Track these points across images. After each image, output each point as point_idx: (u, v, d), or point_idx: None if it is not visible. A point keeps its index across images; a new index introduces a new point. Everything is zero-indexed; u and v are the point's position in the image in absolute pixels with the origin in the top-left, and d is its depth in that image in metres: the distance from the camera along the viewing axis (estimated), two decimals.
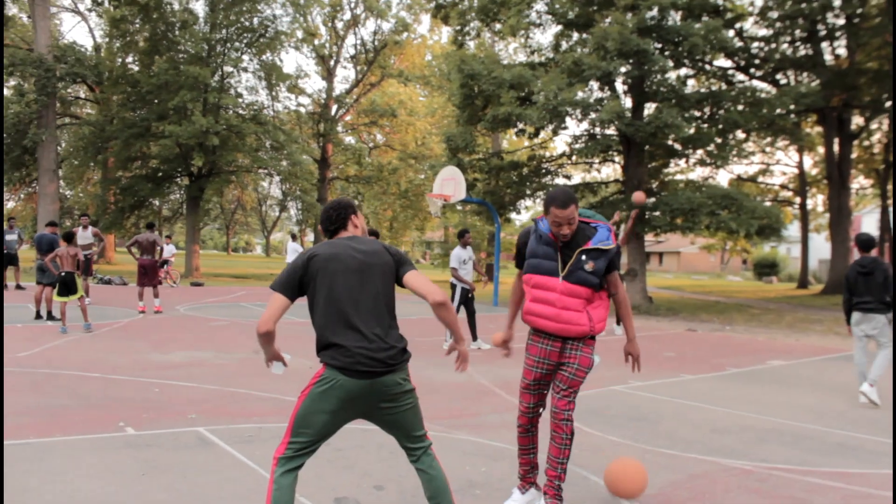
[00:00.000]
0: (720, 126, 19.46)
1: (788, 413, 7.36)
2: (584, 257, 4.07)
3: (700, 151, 21.04)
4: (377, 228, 45.84)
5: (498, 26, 22.11)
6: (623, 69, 17.85)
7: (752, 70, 25.41)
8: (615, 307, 4.43)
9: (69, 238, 12.11)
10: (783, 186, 38.80)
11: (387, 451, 5.45)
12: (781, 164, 39.43)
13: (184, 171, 32.80)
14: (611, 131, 19.74)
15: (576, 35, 20.97)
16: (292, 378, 8.26)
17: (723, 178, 76.07)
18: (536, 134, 20.63)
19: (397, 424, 3.47)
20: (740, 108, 19.70)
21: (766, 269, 51.71)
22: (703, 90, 19.91)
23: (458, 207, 31.32)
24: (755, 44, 25.31)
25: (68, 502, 4.23)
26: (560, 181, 22.09)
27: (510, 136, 29.60)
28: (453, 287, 11.70)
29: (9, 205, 54.80)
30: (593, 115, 17.98)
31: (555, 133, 21.46)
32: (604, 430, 6.39)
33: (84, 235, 16.39)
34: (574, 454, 5.54)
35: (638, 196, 10.98)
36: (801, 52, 25.43)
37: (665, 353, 11.64)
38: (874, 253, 8.30)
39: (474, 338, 11.71)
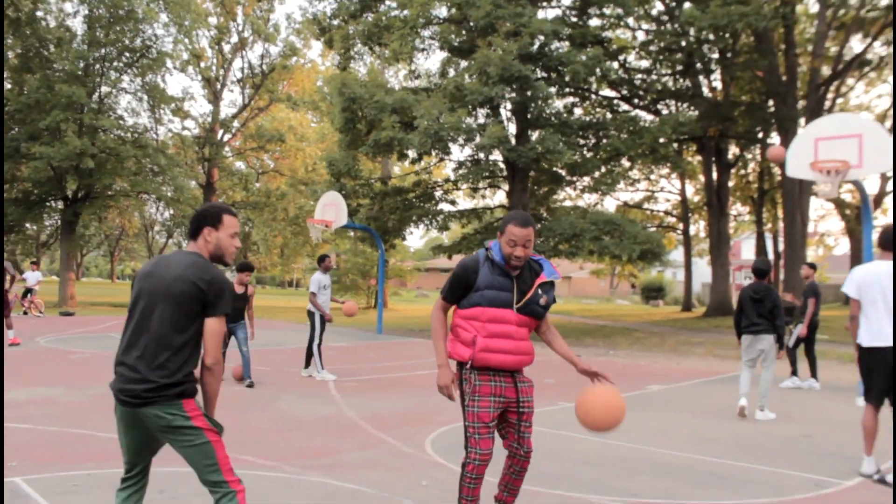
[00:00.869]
0: (603, 154, 19.76)
1: (663, 441, 7.22)
2: (539, 291, 4.01)
3: (587, 178, 21.32)
4: (260, 258, 44.85)
5: (385, 51, 21.90)
6: (506, 95, 17.85)
7: (636, 100, 26.07)
8: (546, 337, 4.26)
9: None
10: (667, 213, 39.95)
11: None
12: (665, 191, 40.61)
13: (58, 194, 31.07)
14: (496, 157, 19.75)
15: (463, 62, 20.98)
16: None
17: (610, 204, 78.23)
18: (419, 159, 20.46)
19: (188, 462, 3.20)
20: (623, 136, 20.05)
21: (653, 292, 53.11)
22: (587, 118, 20.18)
23: (351, 234, 30.86)
24: (638, 75, 26.02)
25: None
26: (446, 206, 21.96)
27: (401, 163, 29.41)
28: (311, 315, 11.25)
29: None
30: (476, 141, 17.92)
31: (440, 159, 21.37)
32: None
33: None
34: (424, 489, 5.20)
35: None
36: (681, 83, 26.31)
37: (545, 380, 11.45)
38: (767, 280, 8.68)
39: (307, 365, 11.47)
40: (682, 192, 37.93)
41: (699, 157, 32.15)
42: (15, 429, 7.04)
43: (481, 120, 19.47)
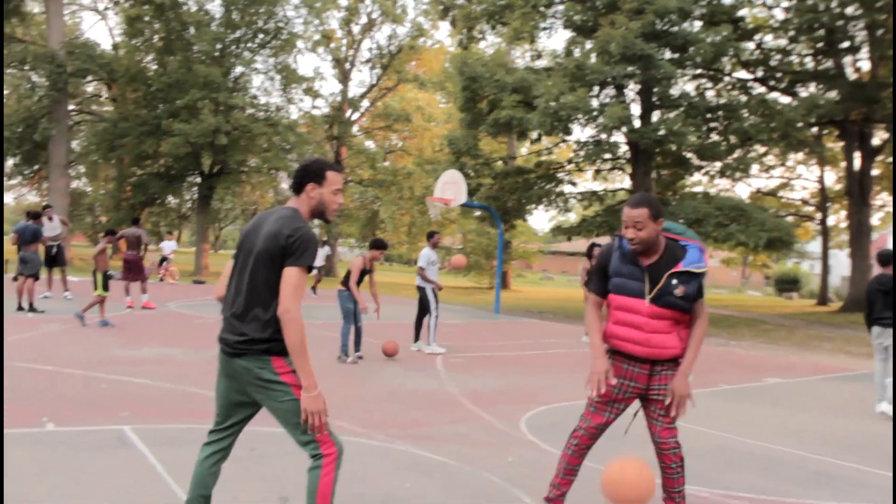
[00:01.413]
0: (731, 137, 18.89)
1: (771, 435, 6.84)
2: (674, 281, 3.71)
3: (716, 163, 20.48)
4: (387, 236, 45.60)
5: (505, 30, 21.69)
6: (628, 74, 17.30)
7: (772, 82, 24.79)
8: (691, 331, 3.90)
9: (108, 234, 12.62)
10: (804, 201, 37.95)
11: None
12: (803, 178, 38.60)
13: (195, 169, 32.70)
14: (619, 138, 19.27)
15: (588, 43, 20.52)
16: None
17: (743, 192, 75.05)
18: (539, 139, 20.19)
19: (279, 420, 3.25)
20: (755, 119, 19.10)
21: (788, 284, 50.75)
22: (716, 100, 19.29)
23: (477, 213, 30.96)
24: (775, 56, 24.70)
25: None
26: (567, 188, 21.62)
27: (526, 143, 29.08)
28: (422, 290, 11.40)
29: (25, 199, 55.23)
30: (597, 121, 17.51)
31: (562, 139, 21.00)
32: (559, 447, 5.90)
33: (51, 226, 16.09)
34: (523, 472, 5.11)
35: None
36: (822, 63, 24.80)
37: None
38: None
39: (417, 338, 11.61)
40: (821, 180, 35.93)
41: (841, 143, 30.27)
42: (131, 382, 7.45)
43: (604, 100, 19.00)
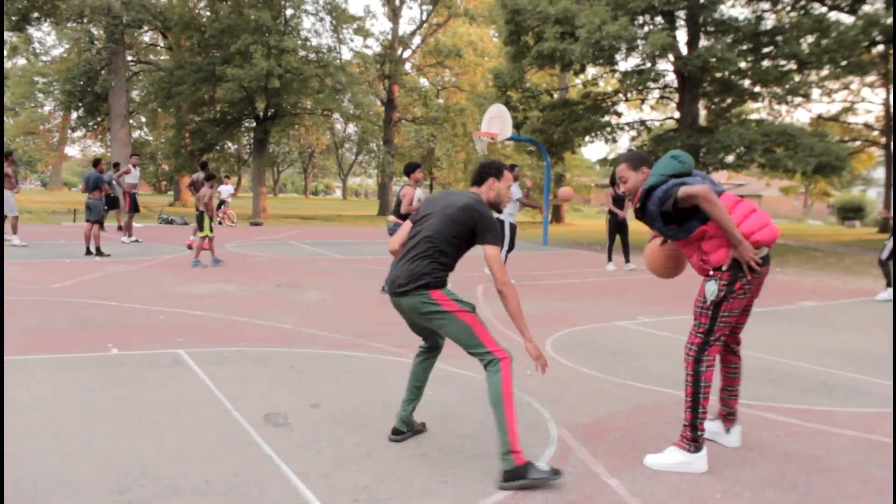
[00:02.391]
0: (782, 61, 18.53)
1: (789, 352, 7.10)
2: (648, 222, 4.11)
3: (765, 89, 20.09)
4: (444, 174, 45.77)
5: None
6: (670, 0, 17.03)
7: (833, 1, 23.98)
8: None
9: (209, 179, 13.33)
10: (867, 125, 36.81)
11: (350, 376, 5.53)
12: (867, 101, 37.35)
13: (250, 114, 33.31)
14: (665, 66, 19.11)
15: None
16: (295, 308, 8.46)
17: (805, 117, 72.74)
18: (583, 69, 20.09)
19: (454, 340, 3.83)
20: (807, 41, 18.64)
21: (851, 213, 49.50)
22: (765, 25, 18.80)
23: (531, 149, 31.02)
24: None
25: (17, 404, 4.42)
26: (613, 119, 21.49)
27: (580, 75, 28.57)
28: (501, 223, 11.46)
29: (90, 150, 56.97)
30: (640, 49, 17.37)
31: (612, 70, 20.82)
32: (577, 363, 6.31)
33: (134, 174, 16.90)
34: (536, 382, 5.51)
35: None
36: None
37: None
38: None
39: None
40: (886, 103, 34.77)
41: None
42: (186, 314, 8.05)
43: (649, 28, 18.75)
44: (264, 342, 6.76)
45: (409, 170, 10.19)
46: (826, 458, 4.14)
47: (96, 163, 15.15)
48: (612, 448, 4.20)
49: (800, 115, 65.36)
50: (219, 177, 33.62)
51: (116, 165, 19.70)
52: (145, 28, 34.73)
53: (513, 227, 11.70)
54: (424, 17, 40.60)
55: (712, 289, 3.88)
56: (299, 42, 31.71)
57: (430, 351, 4.23)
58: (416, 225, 4.02)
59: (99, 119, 34.31)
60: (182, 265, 12.88)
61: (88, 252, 13.82)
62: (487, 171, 4.08)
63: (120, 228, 19.46)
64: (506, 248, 11.60)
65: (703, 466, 3.88)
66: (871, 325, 8.86)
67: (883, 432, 4.65)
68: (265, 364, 5.90)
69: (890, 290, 11.20)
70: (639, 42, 17.30)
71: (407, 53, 41.33)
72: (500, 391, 3.65)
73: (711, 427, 4.29)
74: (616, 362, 6.41)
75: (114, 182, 18.23)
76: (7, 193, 14.45)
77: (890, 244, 10.95)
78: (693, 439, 3.89)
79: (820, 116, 35.83)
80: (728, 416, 4.29)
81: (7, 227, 14.69)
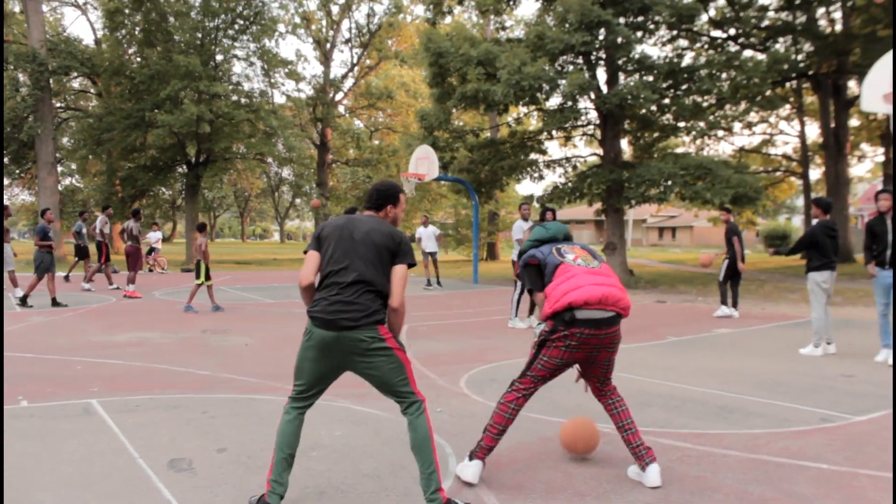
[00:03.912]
0: (695, 97, 19.29)
1: (694, 379, 7.37)
2: None
3: (697, 123, 20.77)
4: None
5: (472, 3, 21.95)
6: (588, 41, 17.61)
7: (744, 39, 25.04)
8: None
9: (201, 229, 13.82)
10: (786, 156, 38.23)
11: (258, 419, 5.57)
12: (784, 134, 38.79)
13: (182, 159, 33.09)
14: (587, 104, 19.69)
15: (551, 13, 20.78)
16: (216, 354, 8.44)
17: (729, 150, 75.04)
18: (506, 110, 20.57)
19: (381, 376, 3.79)
20: (717, 79, 19.40)
21: (777, 240, 51.08)
22: (673, 61, 19.60)
23: (460, 188, 31.39)
24: (750, 12, 24.87)
25: None
26: (539, 158, 21.95)
27: (516, 115, 29.11)
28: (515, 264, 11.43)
29: (17, 199, 55.66)
30: (561, 89, 17.90)
31: (538, 108, 21.33)
32: (487, 398, 6.45)
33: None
34: (443, 419, 5.62)
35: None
36: (798, 18, 24.98)
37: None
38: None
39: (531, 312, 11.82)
40: (801, 135, 36.20)
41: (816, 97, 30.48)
42: (105, 364, 7.99)
43: (568, 68, 19.34)
44: (180, 388, 6.76)
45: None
46: (711, 479, 4.35)
47: (42, 213, 14.92)
48: (509, 480, 4.34)
49: (724, 148, 67.29)
50: (145, 222, 33.30)
51: (82, 214, 19.69)
52: (73, 75, 34.34)
53: None
54: (356, 60, 41.05)
55: (538, 329, 4.40)
56: (230, 87, 31.71)
57: (305, 408, 3.94)
58: (332, 256, 3.85)
59: (26, 166, 33.69)
60: (104, 313, 12.71)
61: (55, 303, 13.64)
62: (386, 198, 4.09)
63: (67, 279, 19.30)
64: (518, 289, 11.41)
65: (468, 474, 4.27)
66: (779, 350, 9.23)
67: (769, 451, 4.88)
68: (176, 410, 5.90)
69: (724, 308, 13.01)
70: (559, 82, 17.82)
71: (339, 96, 41.64)
72: (428, 432, 3.77)
73: (631, 471, 4.39)
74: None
75: (83, 232, 18.44)
76: (7, 247, 14.46)
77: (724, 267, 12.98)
78: (474, 450, 4.34)
79: (742, 149, 37.10)
80: (638, 455, 4.30)
81: (7, 281, 14.65)
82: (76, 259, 19.33)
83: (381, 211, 4.07)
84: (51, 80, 29.21)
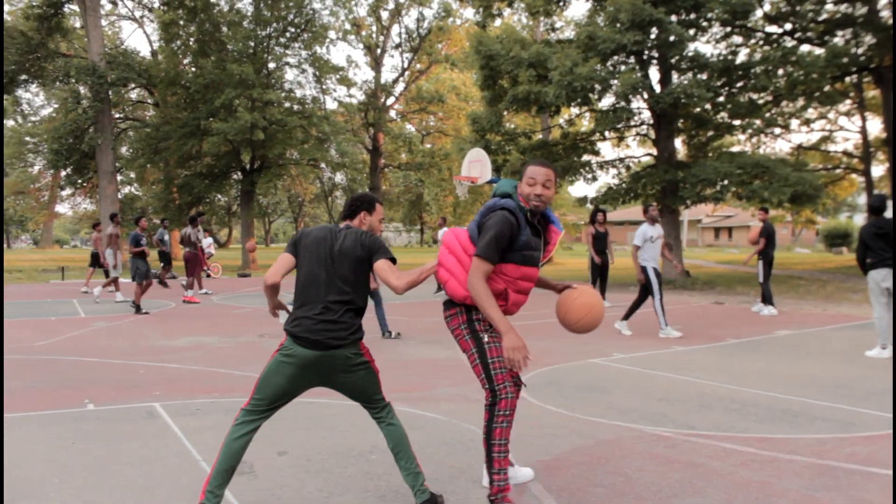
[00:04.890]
0: (752, 95, 18.93)
1: (756, 381, 7.22)
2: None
3: (753, 120, 20.42)
4: (444, 214, 46.14)
5: (521, 5, 21.89)
6: (641, 41, 17.41)
7: (800, 33, 24.46)
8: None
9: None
10: (846, 153, 37.23)
11: (315, 422, 5.61)
12: (845, 130, 37.84)
13: (236, 166, 33.66)
14: (640, 104, 19.47)
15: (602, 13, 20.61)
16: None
17: (786, 147, 73.54)
18: (558, 111, 20.44)
19: (360, 390, 3.85)
20: (776, 74, 19.00)
21: (838, 239, 49.90)
22: (728, 59, 19.22)
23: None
24: (807, 6, 24.27)
25: None
26: (592, 158, 21.76)
27: (568, 116, 29.00)
28: (645, 270, 10.66)
29: (79, 208, 57.17)
30: (613, 89, 17.75)
31: (590, 109, 21.17)
32: (544, 401, 6.40)
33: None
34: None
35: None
36: (858, 10, 24.30)
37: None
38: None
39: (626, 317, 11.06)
40: (863, 130, 35.23)
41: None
42: (166, 367, 8.14)
43: (620, 68, 19.15)
44: (238, 392, 6.84)
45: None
46: (776, 484, 4.24)
47: (137, 220, 15.23)
48: (568, 483, 4.29)
49: (781, 145, 66.05)
50: (212, 230, 33.89)
51: (164, 221, 20.51)
52: (131, 86, 35.18)
53: (657, 272, 10.66)
54: (406, 65, 41.27)
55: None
56: (283, 94, 32.17)
57: (263, 419, 3.87)
58: (312, 273, 3.78)
59: (88, 176, 34.59)
60: (164, 318, 12.96)
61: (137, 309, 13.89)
62: (359, 205, 4.05)
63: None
64: (657, 296, 10.59)
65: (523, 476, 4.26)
66: (841, 351, 9.00)
67: (836, 457, 4.75)
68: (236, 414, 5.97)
69: (769, 307, 13.31)
70: (612, 82, 17.67)
71: (390, 101, 41.90)
72: (404, 431, 3.88)
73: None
74: (584, 399, 6.50)
75: (165, 238, 19.08)
76: (117, 254, 15.64)
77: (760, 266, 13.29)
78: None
79: (800, 146, 36.27)
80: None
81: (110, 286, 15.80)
82: (162, 265, 20.09)
83: (356, 218, 4.03)
84: (110, 92, 29.93)
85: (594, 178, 21.70)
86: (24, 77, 30.83)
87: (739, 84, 19.43)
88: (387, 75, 41.77)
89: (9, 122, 43.89)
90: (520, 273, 3.84)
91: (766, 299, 13.35)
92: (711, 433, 5.32)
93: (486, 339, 3.89)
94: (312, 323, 3.68)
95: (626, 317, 11.02)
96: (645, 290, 10.79)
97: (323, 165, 38.18)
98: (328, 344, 3.66)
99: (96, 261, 18.90)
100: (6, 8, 32.65)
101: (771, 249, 13.23)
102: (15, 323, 12.21)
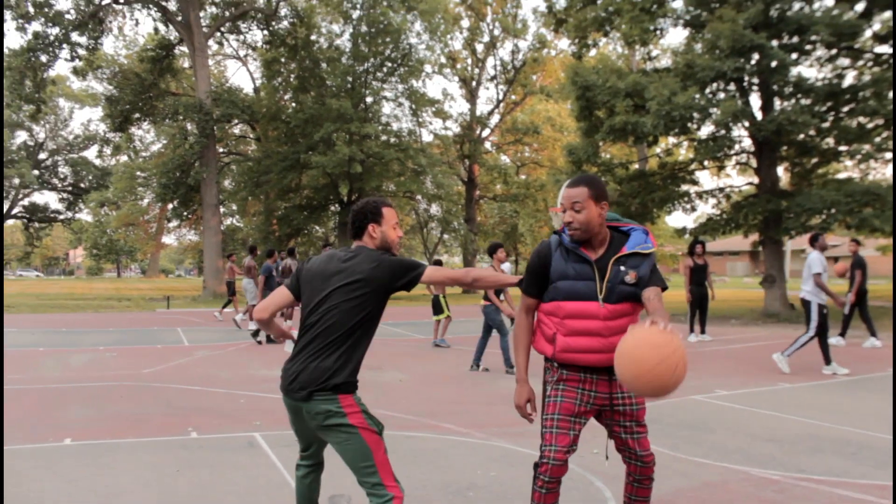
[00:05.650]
0: (855, 119, 18.21)
1: (872, 423, 6.83)
2: (622, 268, 3.22)
3: (862, 146, 19.62)
4: (527, 249, 45.92)
5: (617, 34, 21.78)
6: (741, 67, 17.00)
7: None
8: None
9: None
10: None
11: (414, 456, 5.61)
12: None
13: (334, 199, 34.44)
14: (740, 132, 18.99)
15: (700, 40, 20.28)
16: (370, 389, 8.61)
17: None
18: (656, 141, 20.12)
19: (343, 458, 3.18)
20: (890, 95, 18.20)
21: None
22: (834, 82, 18.51)
23: None
24: None
25: (105, 489, 4.67)
26: (690, 188, 21.32)
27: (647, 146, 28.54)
28: (807, 304, 9.91)
29: (185, 238, 59.45)
30: (713, 118, 17.35)
31: (690, 139, 20.76)
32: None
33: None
34: (600, 460, 5.46)
35: None
36: None
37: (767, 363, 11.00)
38: None
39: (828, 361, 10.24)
40: None
41: None
42: (266, 398, 8.30)
43: (720, 96, 18.75)
44: None
45: (492, 250, 10.25)
46: None
47: (270, 254, 15.77)
48: None
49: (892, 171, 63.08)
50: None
51: (253, 250, 20.97)
52: (235, 122, 36.57)
53: (821, 309, 9.86)
54: (501, 97, 41.49)
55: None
56: (380, 127, 32.82)
57: (314, 466, 3.56)
58: (307, 305, 3.29)
59: (193, 209, 35.99)
60: (263, 349, 13.26)
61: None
62: (364, 217, 3.35)
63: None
64: (812, 332, 9.92)
65: None
66: None
67: None
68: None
69: (873, 339, 13.11)
70: (711, 110, 17.30)
71: (486, 132, 42.18)
72: None
73: None
74: (688, 438, 6.30)
75: (273, 274, 19.64)
76: (249, 283, 16.52)
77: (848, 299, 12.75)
78: None
79: None
80: None
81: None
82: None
83: (364, 235, 3.35)
84: (215, 128, 31.24)
85: (693, 209, 21.23)
86: (137, 115, 32.54)
87: (847, 108, 18.71)
88: (482, 107, 41.95)
89: (122, 158, 46.27)
90: (565, 311, 3.26)
91: (843, 331, 13.55)
92: (824, 478, 5.05)
93: (548, 391, 3.45)
94: (288, 364, 3.24)
95: (828, 360, 10.21)
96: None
97: (419, 197, 38.63)
98: (292, 390, 3.14)
99: (233, 289, 19.81)
100: (122, 52, 34.54)
101: (864, 282, 13.20)
102: (124, 350, 12.74)
